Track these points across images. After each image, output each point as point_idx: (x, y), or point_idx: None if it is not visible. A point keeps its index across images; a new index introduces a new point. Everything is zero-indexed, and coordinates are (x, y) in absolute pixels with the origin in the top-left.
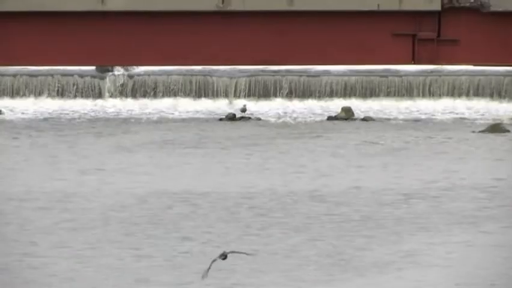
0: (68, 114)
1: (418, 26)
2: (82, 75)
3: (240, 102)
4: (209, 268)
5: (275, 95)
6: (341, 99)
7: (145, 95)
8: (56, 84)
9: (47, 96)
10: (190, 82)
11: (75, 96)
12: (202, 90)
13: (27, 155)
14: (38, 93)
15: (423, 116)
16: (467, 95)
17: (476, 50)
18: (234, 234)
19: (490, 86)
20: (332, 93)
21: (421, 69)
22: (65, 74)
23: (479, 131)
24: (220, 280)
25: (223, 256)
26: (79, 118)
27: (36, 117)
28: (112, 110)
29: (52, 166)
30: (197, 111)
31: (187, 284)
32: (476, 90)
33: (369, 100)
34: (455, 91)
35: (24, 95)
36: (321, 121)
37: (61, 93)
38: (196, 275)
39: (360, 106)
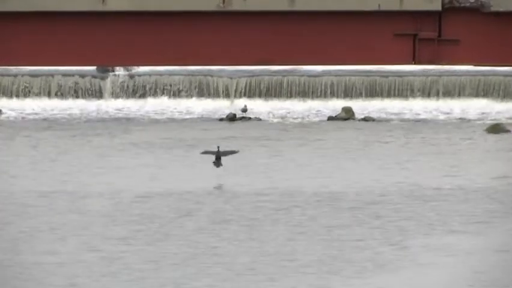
0: (68, 114)
1: (419, 26)
2: (82, 75)
3: (240, 102)
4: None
5: (276, 95)
6: (341, 99)
7: (145, 95)
8: (57, 84)
9: (48, 96)
10: (191, 82)
11: (76, 96)
12: (202, 90)
13: (28, 155)
14: (38, 94)
15: (423, 116)
16: (468, 95)
17: (477, 50)
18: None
19: (490, 86)
20: (332, 93)
21: (422, 69)
22: (66, 74)
23: (480, 131)
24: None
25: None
26: (79, 118)
27: (36, 117)
28: (112, 109)
29: (53, 166)
30: (198, 111)
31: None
32: (477, 90)
33: (370, 100)
34: (455, 91)
35: (24, 95)
36: (322, 121)
37: (62, 93)
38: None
39: (360, 106)
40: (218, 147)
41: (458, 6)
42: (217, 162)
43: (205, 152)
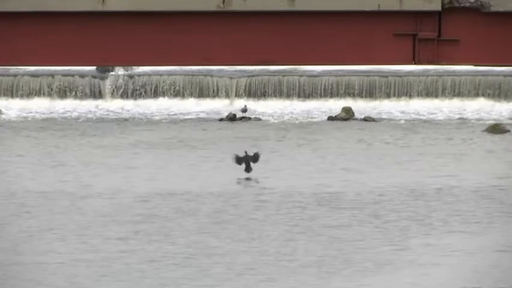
0: (68, 114)
1: (419, 26)
2: (82, 75)
3: (240, 103)
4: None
5: (275, 95)
6: (341, 99)
7: (145, 95)
8: (57, 85)
9: (48, 97)
10: (191, 82)
11: (76, 96)
12: (202, 91)
13: (27, 155)
14: (38, 94)
15: (423, 116)
16: (468, 95)
17: (477, 50)
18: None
19: (490, 86)
20: (332, 93)
21: (422, 69)
22: (65, 74)
23: (480, 131)
24: None
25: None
26: (79, 118)
27: (36, 117)
28: (112, 109)
29: (52, 166)
30: (197, 111)
31: None
32: (477, 90)
33: (370, 100)
34: (455, 91)
35: (24, 95)
36: (322, 121)
37: (62, 93)
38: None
39: (360, 106)
40: (246, 151)
41: (458, 6)
42: (248, 168)
43: (237, 158)
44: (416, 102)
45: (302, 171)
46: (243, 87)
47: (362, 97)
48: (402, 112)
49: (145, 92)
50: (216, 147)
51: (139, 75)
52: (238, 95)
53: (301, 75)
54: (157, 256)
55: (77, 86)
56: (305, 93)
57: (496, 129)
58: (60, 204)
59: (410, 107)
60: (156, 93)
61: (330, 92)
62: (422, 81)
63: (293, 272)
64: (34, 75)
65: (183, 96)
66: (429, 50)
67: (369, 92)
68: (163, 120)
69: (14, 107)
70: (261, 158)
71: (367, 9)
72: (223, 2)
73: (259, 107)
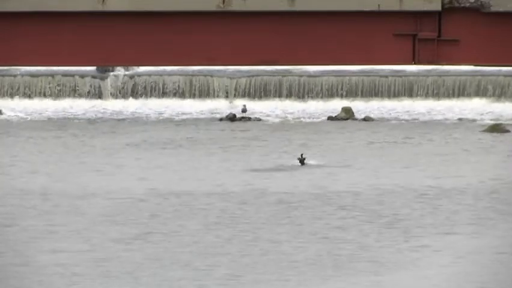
0: (68, 114)
1: (419, 26)
2: (82, 75)
3: (240, 103)
4: None
5: (275, 95)
6: (341, 99)
7: (145, 95)
8: (57, 84)
9: (48, 97)
10: (191, 82)
11: (75, 97)
12: (202, 91)
13: (28, 155)
14: (38, 94)
15: (423, 116)
16: (468, 95)
17: (477, 50)
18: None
19: (490, 86)
20: (332, 93)
21: (422, 69)
22: (65, 74)
23: (480, 131)
24: None
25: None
26: (79, 118)
27: (37, 117)
28: (112, 110)
29: (53, 166)
30: (197, 112)
31: None
32: (477, 91)
33: (370, 100)
34: (455, 91)
35: (24, 95)
36: (322, 121)
37: (62, 93)
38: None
39: (360, 106)
40: (302, 154)
41: (458, 6)
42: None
43: (302, 160)
44: (416, 102)
45: (302, 171)
46: (243, 87)
47: (362, 97)
48: (402, 112)
49: (145, 92)
50: (216, 147)
51: (139, 75)
52: (238, 95)
53: (301, 75)
54: (157, 256)
55: (77, 86)
56: (305, 93)
57: (496, 129)
58: (61, 204)
59: (410, 107)
60: (156, 93)
61: (330, 92)
62: (422, 81)
63: (293, 272)
64: (34, 75)
65: (183, 96)
66: (429, 50)
67: (369, 92)
68: (163, 120)
69: (14, 107)
70: (261, 158)
71: (367, 9)
72: (223, 2)
73: (259, 107)
